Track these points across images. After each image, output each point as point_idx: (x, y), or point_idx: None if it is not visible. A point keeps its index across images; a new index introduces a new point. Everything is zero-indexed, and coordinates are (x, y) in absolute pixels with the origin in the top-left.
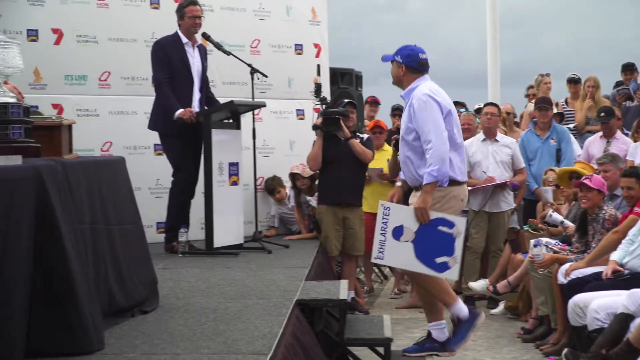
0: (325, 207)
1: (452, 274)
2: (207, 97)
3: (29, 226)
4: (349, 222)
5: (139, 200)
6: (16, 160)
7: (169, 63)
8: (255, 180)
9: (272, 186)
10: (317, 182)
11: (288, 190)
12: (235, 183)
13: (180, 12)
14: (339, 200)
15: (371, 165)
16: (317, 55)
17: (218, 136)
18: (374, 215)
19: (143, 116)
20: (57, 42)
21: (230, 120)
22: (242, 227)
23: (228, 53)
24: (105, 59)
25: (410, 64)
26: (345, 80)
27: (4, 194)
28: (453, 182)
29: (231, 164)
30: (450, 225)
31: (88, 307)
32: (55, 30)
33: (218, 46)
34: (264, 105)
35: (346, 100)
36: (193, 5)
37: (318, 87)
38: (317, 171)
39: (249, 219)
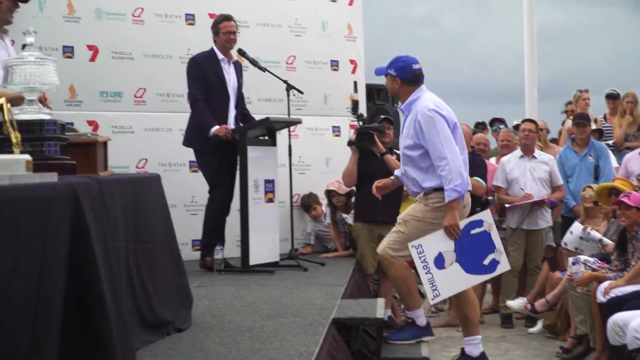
0: (361, 225)
1: (504, 267)
2: (243, 113)
3: (64, 243)
4: None
5: (174, 217)
6: (52, 177)
7: (205, 79)
8: (291, 197)
9: (308, 203)
10: (353, 199)
11: (324, 207)
12: (271, 200)
13: (215, 28)
14: (374, 218)
15: None
16: (353, 72)
17: (254, 153)
18: None
19: (178, 133)
20: (93, 59)
21: (266, 137)
22: (277, 245)
23: (264, 69)
24: (141, 75)
25: (405, 77)
26: (381, 97)
27: (41, 211)
28: None
29: (267, 181)
30: (480, 223)
31: (118, 325)
32: (90, 47)
33: (254, 62)
34: (300, 122)
35: (382, 117)
36: (228, 21)
37: (355, 104)
38: (353, 188)
39: (284, 236)
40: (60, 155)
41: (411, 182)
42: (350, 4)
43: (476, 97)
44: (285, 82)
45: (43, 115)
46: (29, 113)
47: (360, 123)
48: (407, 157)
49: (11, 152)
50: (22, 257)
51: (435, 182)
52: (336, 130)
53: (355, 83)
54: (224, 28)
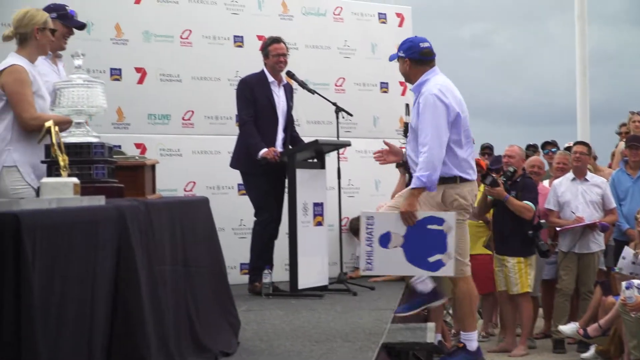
0: None
1: (447, 271)
2: (292, 136)
3: (111, 266)
4: None
5: (222, 240)
6: (99, 200)
7: (254, 102)
8: (340, 220)
9: (356, 226)
10: None
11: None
12: (319, 223)
13: (265, 50)
14: None
15: None
16: (403, 94)
17: (302, 176)
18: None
19: (227, 156)
20: (141, 81)
21: (315, 160)
22: (326, 269)
23: (313, 92)
24: (189, 97)
25: (412, 56)
26: None
27: (89, 234)
28: (464, 180)
29: (316, 204)
30: (440, 222)
31: (161, 351)
32: (138, 69)
33: (302, 85)
34: (349, 145)
35: None
36: (277, 43)
37: (407, 127)
38: None
39: (333, 260)
40: (108, 178)
41: (416, 159)
42: (400, 25)
43: (527, 119)
44: (334, 104)
45: (91, 138)
46: (77, 136)
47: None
48: (415, 139)
49: (59, 175)
50: (72, 281)
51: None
52: None
53: (407, 106)
54: (273, 50)
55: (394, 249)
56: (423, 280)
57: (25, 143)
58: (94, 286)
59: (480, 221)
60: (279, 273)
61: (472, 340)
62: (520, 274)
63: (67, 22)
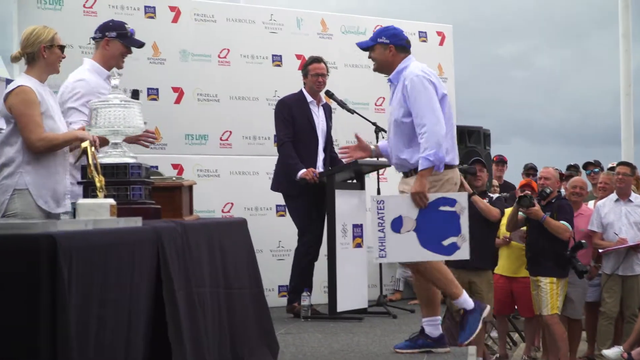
0: (451, 270)
1: (463, 254)
2: (331, 156)
3: (148, 289)
4: (475, 286)
5: (260, 262)
6: (136, 222)
7: (293, 122)
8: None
9: None
10: None
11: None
12: (359, 245)
13: (305, 69)
14: (465, 263)
15: None
16: None
17: (342, 197)
18: (510, 278)
19: (265, 176)
20: (178, 101)
21: (355, 181)
22: (366, 291)
23: (352, 111)
24: (227, 117)
25: (399, 43)
26: (472, 139)
27: (126, 256)
28: (446, 166)
29: (355, 226)
30: (452, 202)
31: None
32: (175, 89)
33: (342, 104)
34: (389, 165)
35: (474, 159)
36: (317, 63)
37: None
38: None
39: (373, 282)
40: (145, 199)
41: (399, 153)
42: (441, 43)
43: (569, 139)
44: (374, 124)
45: (128, 158)
46: (114, 156)
47: None
48: (399, 125)
49: (95, 196)
50: (110, 304)
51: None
52: None
53: None
54: (313, 70)
55: (407, 234)
56: (435, 324)
57: (38, 166)
58: (131, 310)
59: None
60: (317, 295)
61: (467, 301)
62: (551, 295)
63: (126, 41)
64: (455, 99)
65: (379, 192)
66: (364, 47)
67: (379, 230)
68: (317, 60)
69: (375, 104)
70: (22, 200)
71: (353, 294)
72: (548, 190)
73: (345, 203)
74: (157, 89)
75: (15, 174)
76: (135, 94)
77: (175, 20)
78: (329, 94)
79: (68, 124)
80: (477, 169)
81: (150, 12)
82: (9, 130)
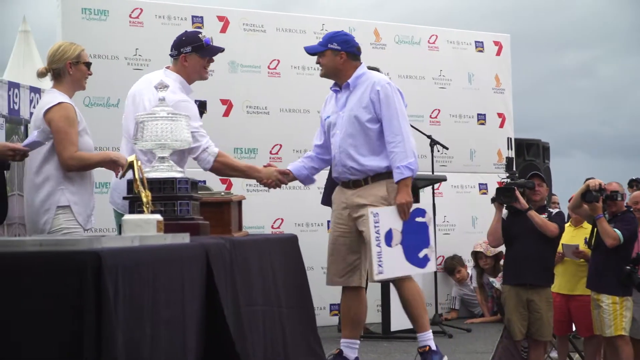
0: (509, 288)
1: (432, 266)
2: None
3: (199, 308)
4: (534, 305)
5: (311, 280)
6: (184, 238)
7: None
8: (436, 259)
9: (451, 265)
10: (501, 262)
11: (470, 269)
12: None
13: None
14: (522, 280)
15: (566, 241)
16: (501, 126)
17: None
18: (566, 296)
19: (316, 191)
20: (226, 114)
21: None
22: None
23: None
24: (277, 130)
25: (350, 50)
26: (531, 152)
27: (174, 274)
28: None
29: None
30: (423, 213)
31: None
32: (224, 101)
33: None
34: (445, 179)
35: (532, 172)
36: None
37: (510, 162)
38: (502, 250)
39: (428, 301)
40: (193, 215)
41: (359, 158)
42: (498, 53)
43: (635, 152)
44: (429, 137)
45: (175, 173)
46: (160, 171)
47: (508, 180)
48: (365, 131)
49: (142, 211)
50: (160, 323)
51: (389, 163)
52: (483, 188)
53: (508, 140)
54: None
55: (396, 247)
56: (354, 348)
57: (76, 182)
58: (185, 329)
59: (581, 260)
60: (370, 314)
61: (431, 339)
62: (614, 315)
63: (203, 53)
64: (513, 111)
65: (434, 207)
66: (312, 52)
67: (377, 245)
68: (373, 70)
69: (430, 116)
70: (65, 216)
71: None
72: (619, 197)
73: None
74: (205, 101)
75: (57, 191)
76: (202, 106)
77: (223, 30)
78: None
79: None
80: (536, 183)
81: (197, 22)
82: (50, 147)
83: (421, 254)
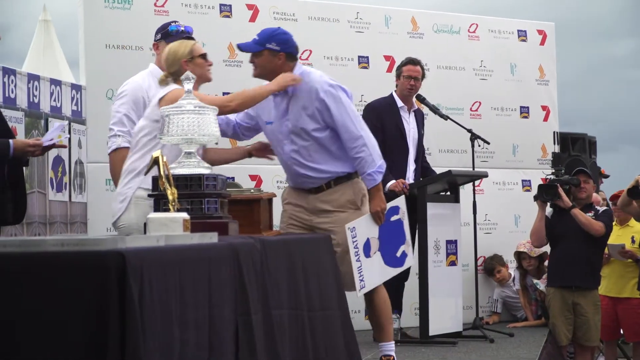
0: (554, 290)
1: (410, 261)
2: (423, 166)
3: (228, 311)
4: (580, 308)
5: None
6: (211, 237)
7: (382, 129)
8: (476, 260)
9: (491, 265)
10: (546, 263)
11: (512, 270)
12: (453, 263)
13: (398, 70)
14: (568, 282)
15: (612, 240)
16: (546, 119)
17: (434, 210)
18: (614, 299)
19: None
20: None
21: (448, 193)
22: (460, 313)
23: (445, 117)
24: None
25: (289, 51)
26: (576, 147)
27: (201, 275)
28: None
29: (449, 242)
30: (397, 210)
31: None
32: None
33: (434, 109)
34: (486, 176)
35: (578, 169)
36: (413, 64)
37: (556, 157)
38: (546, 250)
39: (468, 303)
40: (221, 213)
41: (317, 165)
42: (542, 43)
43: None
44: (469, 131)
45: (202, 169)
46: (187, 167)
47: (552, 177)
48: (313, 140)
49: (167, 210)
50: (190, 325)
51: (350, 166)
52: (526, 185)
53: (554, 134)
54: (406, 72)
55: (374, 255)
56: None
57: None
58: (213, 333)
59: (630, 260)
60: (407, 318)
61: (394, 350)
62: None
63: (169, 40)
64: (558, 104)
65: (474, 205)
66: (248, 50)
67: (356, 260)
68: (413, 62)
69: (471, 109)
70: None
71: (446, 316)
72: None
73: (438, 217)
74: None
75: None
76: None
77: (252, 19)
78: (421, 99)
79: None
80: (581, 180)
81: (225, 10)
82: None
83: (399, 252)
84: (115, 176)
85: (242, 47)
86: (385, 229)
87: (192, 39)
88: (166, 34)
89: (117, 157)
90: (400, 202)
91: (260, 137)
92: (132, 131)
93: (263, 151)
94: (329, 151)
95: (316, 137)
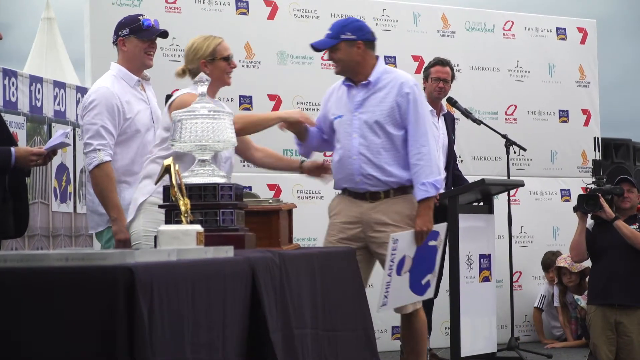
0: (595, 308)
1: (431, 292)
2: (454, 174)
3: (242, 330)
4: (623, 327)
5: (370, 299)
6: (227, 251)
7: None
8: (512, 275)
9: (549, 260)
10: (587, 279)
11: (547, 286)
12: (486, 279)
13: (426, 72)
14: (610, 300)
15: None
16: (586, 124)
17: (466, 222)
18: None
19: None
20: (275, 110)
21: (481, 203)
22: (494, 333)
23: (479, 122)
24: None
25: (367, 37)
26: (620, 154)
27: (215, 292)
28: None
29: (482, 256)
30: (436, 235)
31: None
32: (272, 97)
33: (466, 113)
34: (522, 185)
35: (621, 177)
36: (441, 65)
37: (597, 165)
38: (588, 266)
39: (503, 322)
40: (237, 225)
41: (386, 166)
42: (582, 41)
43: None
44: (504, 136)
45: (217, 178)
46: (201, 176)
47: (593, 186)
48: (388, 137)
49: (179, 221)
50: (203, 347)
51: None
52: (565, 195)
53: (595, 140)
54: (434, 73)
55: (404, 275)
56: None
57: None
58: (225, 353)
59: None
60: (438, 338)
61: None
62: None
63: (142, 35)
64: (600, 107)
65: (509, 217)
66: (323, 47)
67: (388, 274)
68: (442, 62)
69: (506, 113)
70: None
71: (479, 336)
72: None
73: (470, 229)
74: (250, 97)
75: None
76: None
77: (271, 16)
78: (452, 102)
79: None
80: (625, 189)
81: (242, 7)
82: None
83: (424, 280)
84: (103, 192)
85: (316, 45)
86: (421, 251)
87: (164, 36)
88: (137, 28)
89: (101, 173)
90: (442, 228)
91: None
92: (111, 143)
93: (317, 170)
94: (398, 154)
95: (390, 134)
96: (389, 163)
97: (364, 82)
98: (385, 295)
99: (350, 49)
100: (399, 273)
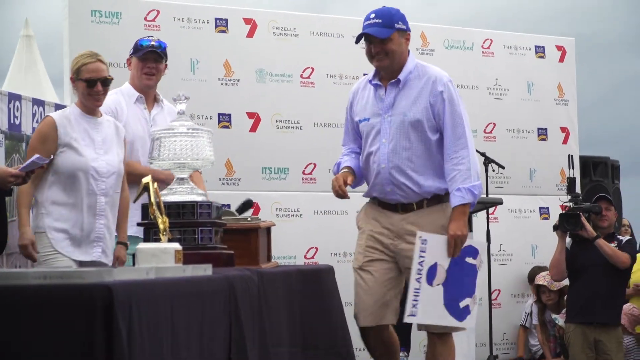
0: (574, 327)
1: (471, 321)
2: None
3: (221, 348)
4: (602, 346)
5: (349, 317)
6: (206, 270)
7: None
8: (490, 293)
9: (534, 273)
10: (565, 297)
11: (530, 305)
12: None
13: None
14: (589, 319)
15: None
16: (565, 142)
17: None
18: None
19: (354, 216)
20: (253, 129)
21: None
22: (473, 350)
23: None
24: (310, 148)
25: (409, 30)
26: (598, 172)
27: (194, 310)
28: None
29: None
30: (475, 253)
31: None
32: (250, 115)
33: None
34: (501, 203)
35: (599, 195)
36: None
37: (571, 183)
38: (567, 285)
39: (481, 340)
40: (216, 243)
41: (423, 175)
42: (561, 59)
43: None
44: (482, 154)
45: (195, 196)
46: (179, 194)
47: (572, 204)
48: (424, 143)
49: (158, 239)
50: None
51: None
52: (544, 212)
53: (569, 157)
54: None
55: (437, 287)
56: None
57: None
58: None
59: None
60: (416, 356)
61: None
62: None
63: (137, 54)
64: (578, 125)
65: (488, 234)
66: (380, 36)
67: (417, 280)
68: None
69: (485, 131)
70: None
71: (458, 354)
72: None
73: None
74: (229, 115)
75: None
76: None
77: (250, 34)
78: None
79: None
80: (603, 207)
81: (221, 25)
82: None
83: (462, 304)
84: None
85: (376, 34)
86: (458, 266)
87: (162, 55)
88: (136, 48)
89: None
90: (482, 246)
91: None
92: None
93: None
94: (434, 160)
95: (424, 138)
96: (423, 171)
97: (392, 81)
98: (414, 304)
99: (401, 39)
100: (430, 282)
